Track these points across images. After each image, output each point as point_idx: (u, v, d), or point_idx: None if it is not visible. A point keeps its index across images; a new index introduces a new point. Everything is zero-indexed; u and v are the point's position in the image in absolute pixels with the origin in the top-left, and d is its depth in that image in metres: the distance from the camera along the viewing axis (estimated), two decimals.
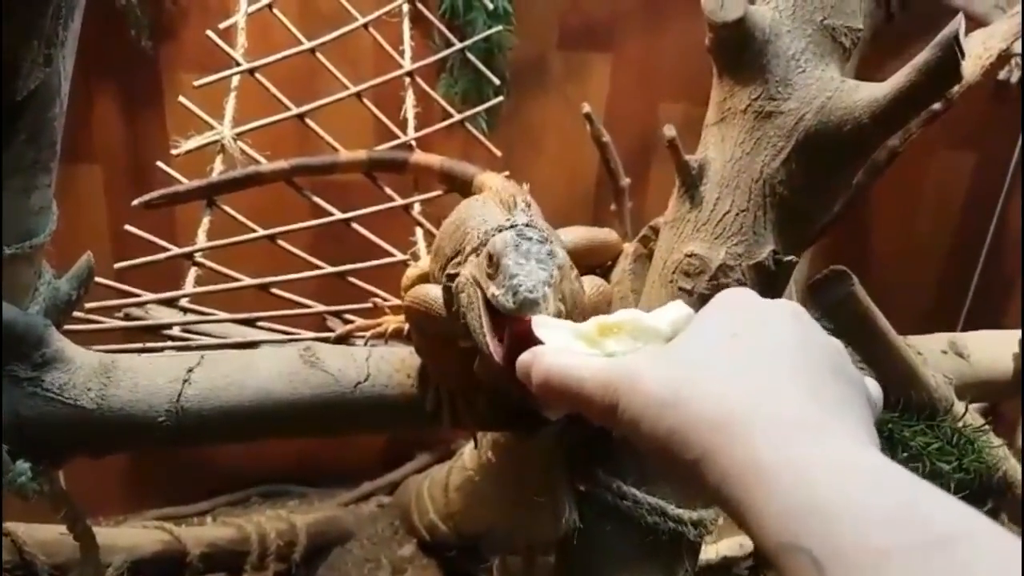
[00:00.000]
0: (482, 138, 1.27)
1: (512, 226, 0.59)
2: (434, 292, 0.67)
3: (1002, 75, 1.96)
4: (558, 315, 0.53)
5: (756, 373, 0.38)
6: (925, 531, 0.29)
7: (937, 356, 0.92)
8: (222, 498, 1.86)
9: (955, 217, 2.21)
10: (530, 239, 0.56)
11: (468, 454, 1.48)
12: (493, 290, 0.54)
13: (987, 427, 0.87)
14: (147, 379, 0.63)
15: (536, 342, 0.48)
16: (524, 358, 0.47)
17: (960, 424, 0.82)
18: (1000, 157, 2.10)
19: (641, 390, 0.40)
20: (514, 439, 0.74)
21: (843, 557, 0.29)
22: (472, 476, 1.44)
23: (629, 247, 0.86)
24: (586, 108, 1.31)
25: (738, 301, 0.44)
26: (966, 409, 0.83)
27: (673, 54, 1.93)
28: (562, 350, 0.46)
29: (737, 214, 0.69)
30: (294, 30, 1.18)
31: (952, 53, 0.63)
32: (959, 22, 0.65)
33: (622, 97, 1.96)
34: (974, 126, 1.98)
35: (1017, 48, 1.61)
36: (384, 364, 0.70)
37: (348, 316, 0.97)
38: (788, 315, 0.42)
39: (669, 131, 0.71)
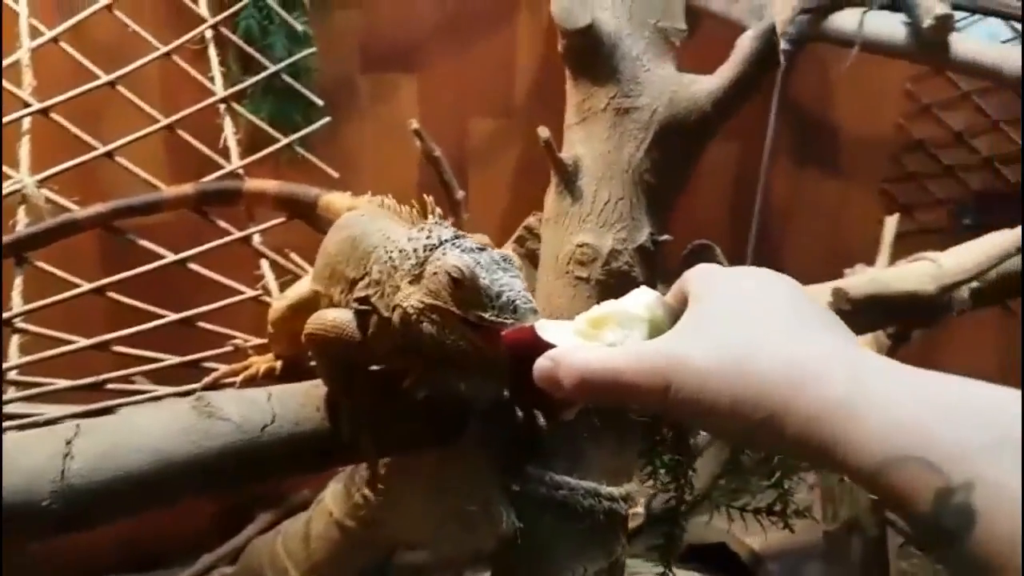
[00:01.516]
0: (315, 160, 1.22)
1: (443, 241, 0.57)
2: (343, 317, 0.64)
3: None
4: None
5: (793, 328, 0.41)
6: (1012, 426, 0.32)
7: None
8: None
9: (728, 199, 2.46)
10: (474, 250, 0.56)
11: (331, 498, 1.41)
12: (480, 312, 0.53)
13: None
14: (23, 459, 0.53)
15: (543, 346, 0.48)
16: (543, 364, 0.46)
17: None
18: (757, 143, 2.37)
19: (693, 367, 0.41)
20: (430, 455, 0.73)
21: (953, 457, 0.32)
22: (341, 520, 1.38)
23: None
24: (414, 124, 1.31)
25: (722, 273, 0.48)
26: None
27: (476, 72, 1.99)
28: (579, 348, 0.47)
29: (616, 203, 0.73)
30: (88, 64, 1.07)
31: (771, 41, 0.72)
32: (771, 15, 0.74)
33: (432, 115, 1.99)
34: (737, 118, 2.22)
35: None
36: (289, 400, 0.66)
37: (208, 364, 0.89)
38: (775, 277, 0.46)
39: (543, 132, 0.73)
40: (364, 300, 0.62)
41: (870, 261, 1.44)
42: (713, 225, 2.45)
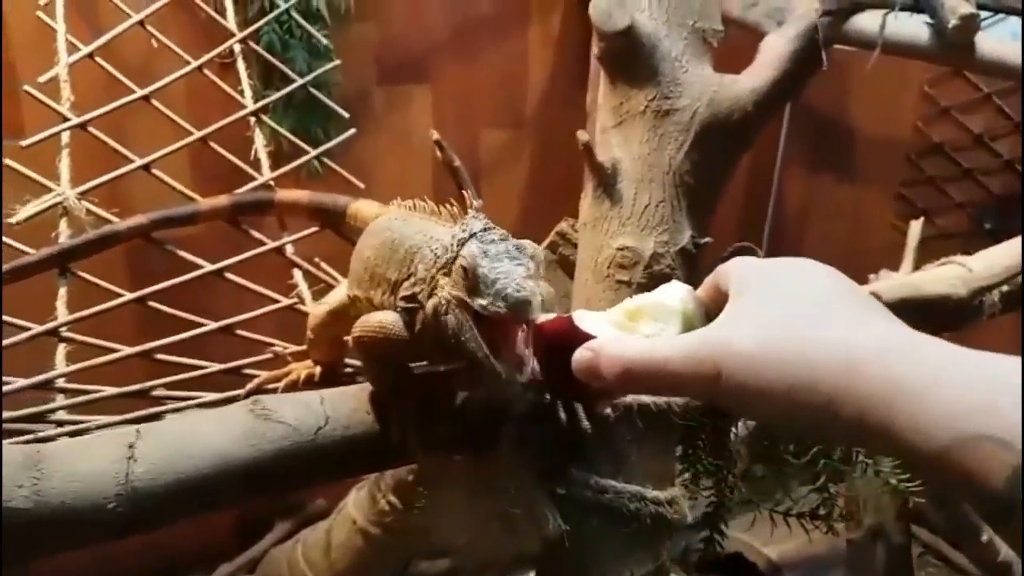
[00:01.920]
0: (342, 171, 1.23)
1: (472, 235, 0.58)
2: (388, 318, 0.65)
3: None
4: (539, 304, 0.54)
5: (842, 313, 0.42)
6: None
7: None
8: None
9: (741, 203, 2.46)
10: (493, 241, 0.56)
11: (354, 506, 1.41)
12: (480, 301, 0.53)
13: None
14: (84, 464, 0.54)
15: (581, 337, 0.48)
16: (583, 355, 0.47)
17: None
18: (770, 147, 2.37)
19: (744, 354, 0.41)
20: (473, 458, 0.73)
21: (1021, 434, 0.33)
22: (365, 527, 1.38)
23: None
24: (435, 135, 1.32)
25: (762, 264, 0.48)
26: None
27: (487, 83, 2.00)
28: (620, 339, 0.47)
29: (657, 205, 0.74)
30: (123, 79, 1.08)
31: (814, 42, 0.73)
32: (814, 16, 0.75)
33: (444, 126, 2.00)
34: None
35: None
36: (340, 405, 0.66)
37: (248, 371, 0.90)
38: (815, 265, 0.46)
39: (583, 136, 0.74)
40: (411, 298, 0.63)
41: (887, 266, 1.44)
42: (725, 230, 2.44)
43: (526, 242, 0.58)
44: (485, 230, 0.59)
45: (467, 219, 0.62)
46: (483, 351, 0.54)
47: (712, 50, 0.80)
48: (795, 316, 0.42)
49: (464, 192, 1.39)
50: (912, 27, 1.43)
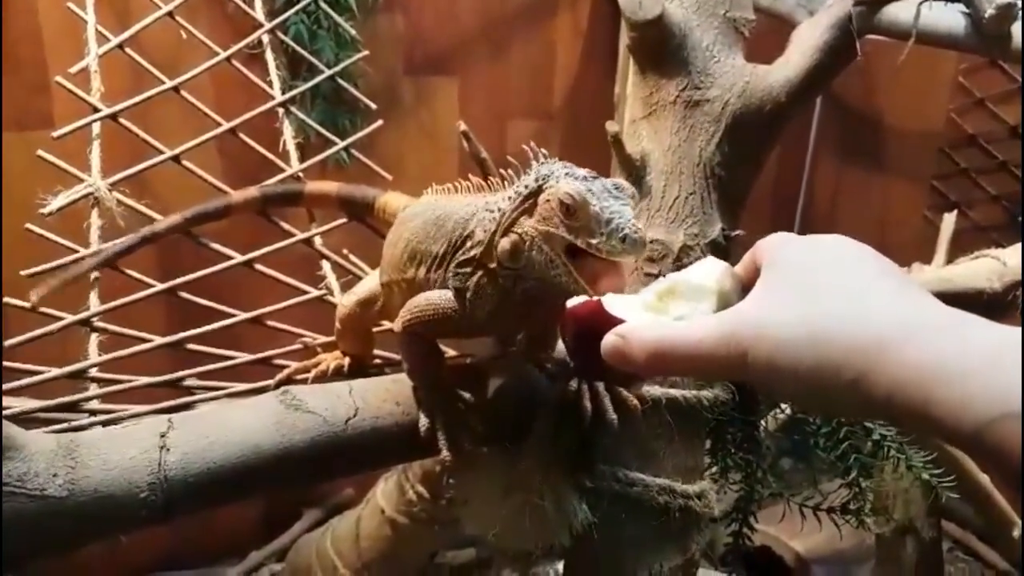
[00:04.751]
0: (369, 163, 1.23)
1: (556, 171, 0.57)
2: (434, 294, 0.65)
3: None
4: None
5: (875, 291, 0.41)
6: None
7: None
8: None
9: (771, 195, 2.43)
10: (586, 179, 0.55)
11: (382, 496, 1.42)
12: (591, 240, 0.53)
13: None
14: (117, 453, 0.55)
15: (611, 321, 0.47)
16: (612, 341, 0.46)
17: None
18: (801, 137, 2.33)
19: (771, 335, 0.41)
20: (502, 450, 0.73)
21: None
22: (393, 517, 1.39)
23: None
24: (462, 126, 1.31)
25: (796, 240, 0.46)
26: None
27: (515, 75, 2.00)
28: (649, 323, 0.46)
29: (687, 198, 0.73)
30: (153, 70, 1.09)
31: (849, 33, 0.71)
32: (848, 5, 0.73)
33: (471, 117, 1.99)
34: None
35: None
36: (370, 396, 0.66)
37: (278, 362, 0.91)
38: (850, 242, 0.45)
39: (612, 127, 0.73)
40: (467, 262, 0.63)
41: (919, 259, 1.41)
42: (755, 221, 2.39)
43: (621, 180, 0.57)
44: (568, 168, 0.58)
45: (542, 163, 0.60)
46: (579, 283, 0.53)
47: (743, 40, 0.78)
48: (824, 293, 0.42)
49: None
50: (947, 17, 1.39)
